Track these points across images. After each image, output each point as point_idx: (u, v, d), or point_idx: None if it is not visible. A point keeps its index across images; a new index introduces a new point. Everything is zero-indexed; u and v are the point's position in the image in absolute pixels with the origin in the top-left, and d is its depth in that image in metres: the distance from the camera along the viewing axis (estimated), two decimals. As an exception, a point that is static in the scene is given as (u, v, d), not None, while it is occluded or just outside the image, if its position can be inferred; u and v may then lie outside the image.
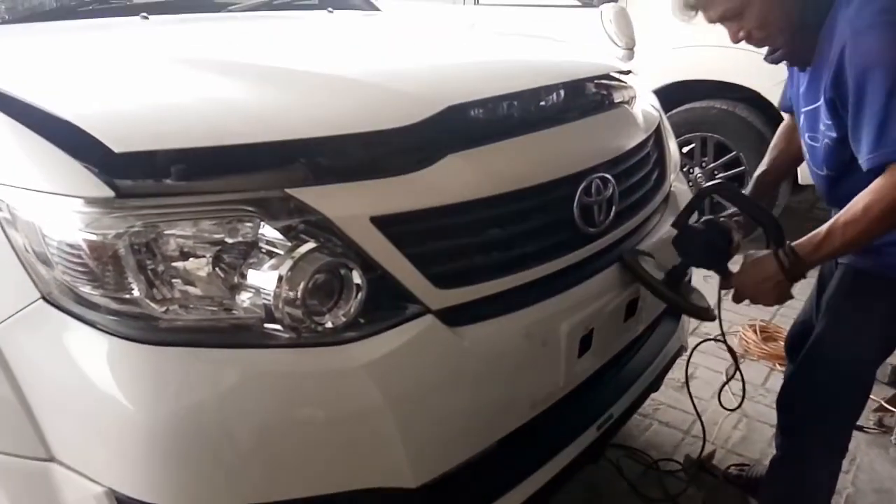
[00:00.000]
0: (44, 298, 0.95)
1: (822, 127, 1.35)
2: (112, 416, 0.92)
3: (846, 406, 1.53)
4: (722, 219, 1.52)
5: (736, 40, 1.36)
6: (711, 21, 1.36)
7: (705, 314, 1.49)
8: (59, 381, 0.95)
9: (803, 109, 1.43)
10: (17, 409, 0.97)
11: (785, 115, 1.68)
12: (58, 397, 0.96)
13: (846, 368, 1.47)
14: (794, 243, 1.34)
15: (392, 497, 1.05)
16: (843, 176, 1.37)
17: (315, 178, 1.02)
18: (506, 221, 1.20)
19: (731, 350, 1.67)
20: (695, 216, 1.53)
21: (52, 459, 0.98)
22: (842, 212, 1.28)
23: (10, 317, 0.97)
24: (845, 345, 1.45)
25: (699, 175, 3.57)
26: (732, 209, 1.55)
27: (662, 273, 1.44)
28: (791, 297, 1.42)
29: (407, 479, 1.05)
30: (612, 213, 1.36)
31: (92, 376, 0.93)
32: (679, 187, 1.77)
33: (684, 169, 3.53)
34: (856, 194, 1.26)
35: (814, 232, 1.34)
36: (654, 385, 1.72)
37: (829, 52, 1.26)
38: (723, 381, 2.41)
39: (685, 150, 3.55)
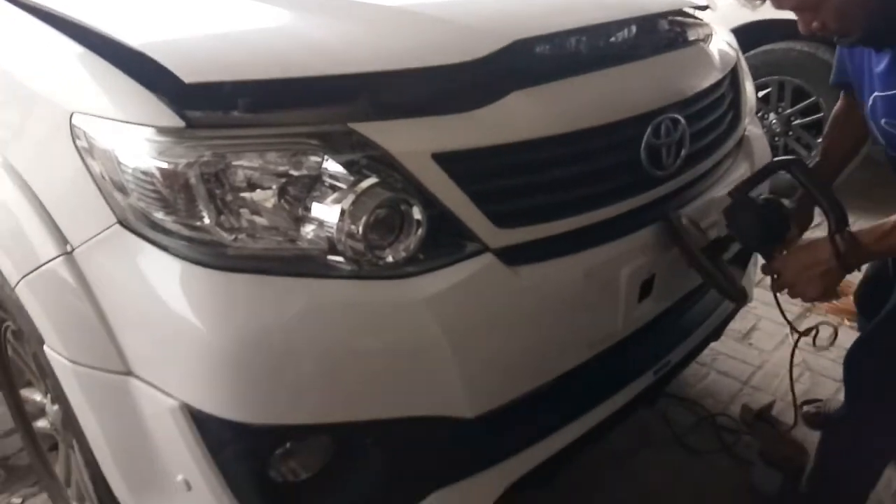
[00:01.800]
0: (120, 223, 1.00)
1: None
2: (184, 336, 0.97)
3: None
4: (785, 203, 1.40)
5: (808, 31, 1.25)
6: (781, 9, 1.26)
7: (737, 295, 1.39)
8: (135, 302, 1.00)
9: (881, 93, 1.31)
10: (97, 326, 1.03)
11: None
12: (134, 316, 1.01)
13: None
14: (855, 230, 1.25)
15: (449, 426, 1.08)
16: None
17: (378, 113, 1.02)
18: (570, 161, 1.17)
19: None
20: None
21: (130, 373, 1.04)
22: None
23: (89, 240, 1.02)
24: None
25: (774, 121, 3.40)
26: (794, 201, 1.45)
27: (704, 241, 1.35)
28: (837, 295, 1.31)
29: (463, 410, 1.08)
30: (681, 157, 1.31)
31: (165, 298, 0.98)
32: (753, 132, 1.69)
33: (759, 114, 3.36)
34: None
35: (880, 222, 1.25)
36: (715, 334, 1.70)
37: None
38: (786, 333, 2.37)
39: (761, 94, 3.37)
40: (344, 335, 0.99)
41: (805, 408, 2.03)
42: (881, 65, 1.30)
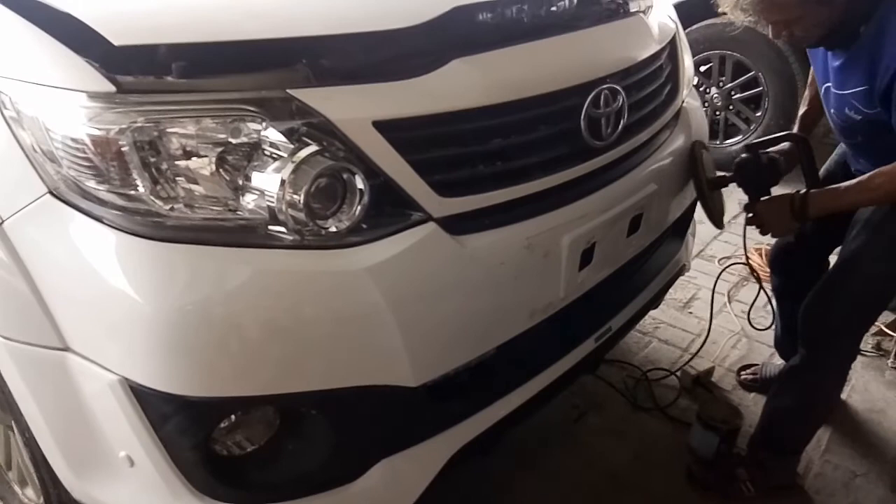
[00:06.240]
0: (51, 193, 0.97)
1: (853, 113, 1.47)
2: (122, 309, 0.94)
3: (868, 320, 1.63)
4: (779, 157, 1.66)
5: (777, 37, 1.51)
6: (769, 21, 1.47)
7: (718, 222, 1.72)
8: (69, 274, 0.98)
9: (834, 90, 1.52)
10: (30, 301, 1.00)
11: None
12: (69, 289, 0.99)
13: (879, 284, 1.55)
14: (812, 191, 1.53)
15: (393, 394, 1.09)
16: (874, 141, 1.50)
17: (318, 80, 1.01)
18: (511, 131, 1.18)
19: (753, 271, 1.88)
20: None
21: (66, 349, 1.02)
22: (859, 179, 1.47)
23: (19, 211, 0.98)
24: (883, 260, 1.52)
25: (715, 95, 3.49)
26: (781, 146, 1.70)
27: (711, 174, 1.65)
28: (792, 237, 1.70)
29: (407, 379, 1.09)
30: (620, 127, 1.34)
31: (101, 270, 0.95)
32: (692, 104, 1.73)
33: (700, 88, 3.44)
34: (880, 154, 1.44)
35: (833, 187, 1.52)
36: (654, 302, 1.75)
37: (875, 57, 1.37)
38: (724, 302, 2.47)
39: (703, 69, 3.45)
40: (286, 307, 0.99)
41: (742, 374, 2.12)
42: (836, 62, 1.50)
